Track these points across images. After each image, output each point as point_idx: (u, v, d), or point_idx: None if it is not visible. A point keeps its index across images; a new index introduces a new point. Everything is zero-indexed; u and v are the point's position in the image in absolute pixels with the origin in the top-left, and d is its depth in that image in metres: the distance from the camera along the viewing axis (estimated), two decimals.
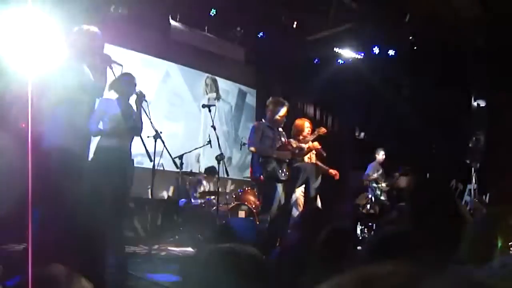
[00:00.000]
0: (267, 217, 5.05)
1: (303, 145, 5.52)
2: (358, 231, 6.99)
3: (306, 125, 5.94)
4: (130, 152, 4.61)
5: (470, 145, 9.08)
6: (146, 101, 4.54)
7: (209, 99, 9.37)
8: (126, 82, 4.43)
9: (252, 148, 5.20)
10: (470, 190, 7.98)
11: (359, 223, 6.26)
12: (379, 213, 7.45)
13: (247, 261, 1.45)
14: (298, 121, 6.05)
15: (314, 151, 5.95)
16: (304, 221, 2.87)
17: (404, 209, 2.06)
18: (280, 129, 5.49)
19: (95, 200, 4.35)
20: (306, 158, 5.99)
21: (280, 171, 5.08)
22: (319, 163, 6.13)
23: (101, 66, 3.99)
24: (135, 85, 4.54)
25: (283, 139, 5.39)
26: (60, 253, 2.88)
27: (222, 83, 9.82)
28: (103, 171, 4.39)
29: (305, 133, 5.85)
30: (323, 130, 5.85)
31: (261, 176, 5.09)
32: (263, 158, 5.10)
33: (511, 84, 7.96)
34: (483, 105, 9.22)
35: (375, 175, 7.99)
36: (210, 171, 8.02)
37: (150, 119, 4.62)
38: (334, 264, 1.99)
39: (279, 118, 5.31)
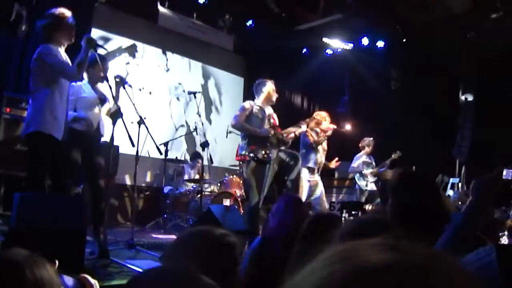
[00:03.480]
0: (249, 203, 5.07)
1: (291, 130, 5.48)
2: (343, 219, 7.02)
3: (324, 116, 6.30)
4: (100, 134, 4.53)
5: (456, 139, 9.15)
6: (130, 86, 4.49)
7: (196, 86, 9.29)
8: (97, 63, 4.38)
9: (233, 122, 5.22)
10: (453, 184, 8.02)
11: (344, 211, 6.29)
12: (366, 202, 7.50)
13: (221, 244, 1.43)
14: (319, 114, 6.36)
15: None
16: (285, 209, 2.86)
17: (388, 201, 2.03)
18: (274, 115, 5.47)
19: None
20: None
21: (260, 153, 5.05)
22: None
23: (86, 51, 3.93)
24: (106, 68, 4.48)
25: (271, 120, 5.35)
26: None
27: (210, 70, 9.76)
28: (75, 154, 4.33)
29: (324, 126, 6.22)
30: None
31: (245, 156, 5.07)
32: (248, 139, 5.08)
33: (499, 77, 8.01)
34: (471, 99, 9.26)
35: (360, 165, 7.99)
36: (195, 156, 7.99)
37: (134, 104, 4.56)
38: (316, 251, 1.98)
39: (263, 94, 5.35)
